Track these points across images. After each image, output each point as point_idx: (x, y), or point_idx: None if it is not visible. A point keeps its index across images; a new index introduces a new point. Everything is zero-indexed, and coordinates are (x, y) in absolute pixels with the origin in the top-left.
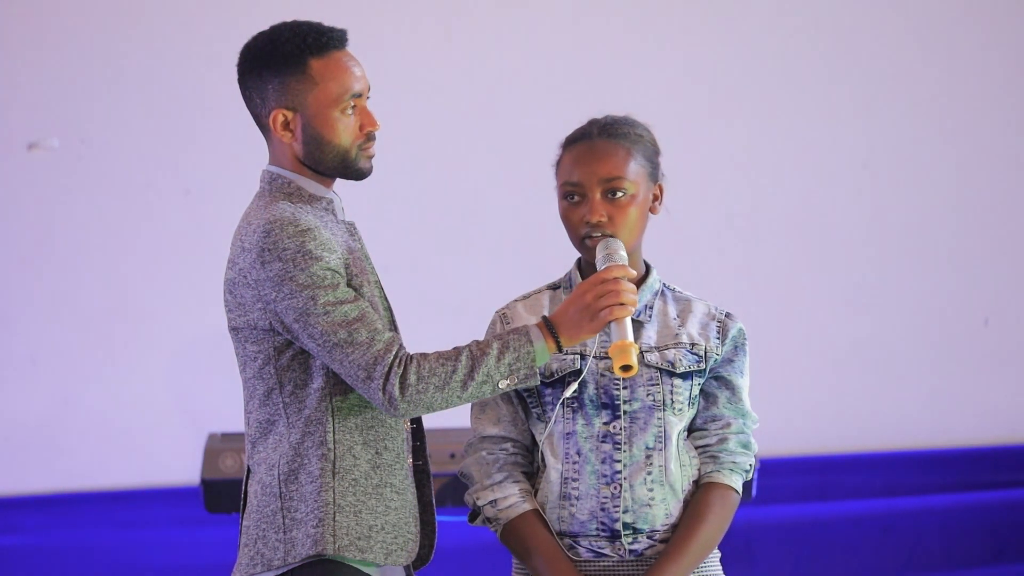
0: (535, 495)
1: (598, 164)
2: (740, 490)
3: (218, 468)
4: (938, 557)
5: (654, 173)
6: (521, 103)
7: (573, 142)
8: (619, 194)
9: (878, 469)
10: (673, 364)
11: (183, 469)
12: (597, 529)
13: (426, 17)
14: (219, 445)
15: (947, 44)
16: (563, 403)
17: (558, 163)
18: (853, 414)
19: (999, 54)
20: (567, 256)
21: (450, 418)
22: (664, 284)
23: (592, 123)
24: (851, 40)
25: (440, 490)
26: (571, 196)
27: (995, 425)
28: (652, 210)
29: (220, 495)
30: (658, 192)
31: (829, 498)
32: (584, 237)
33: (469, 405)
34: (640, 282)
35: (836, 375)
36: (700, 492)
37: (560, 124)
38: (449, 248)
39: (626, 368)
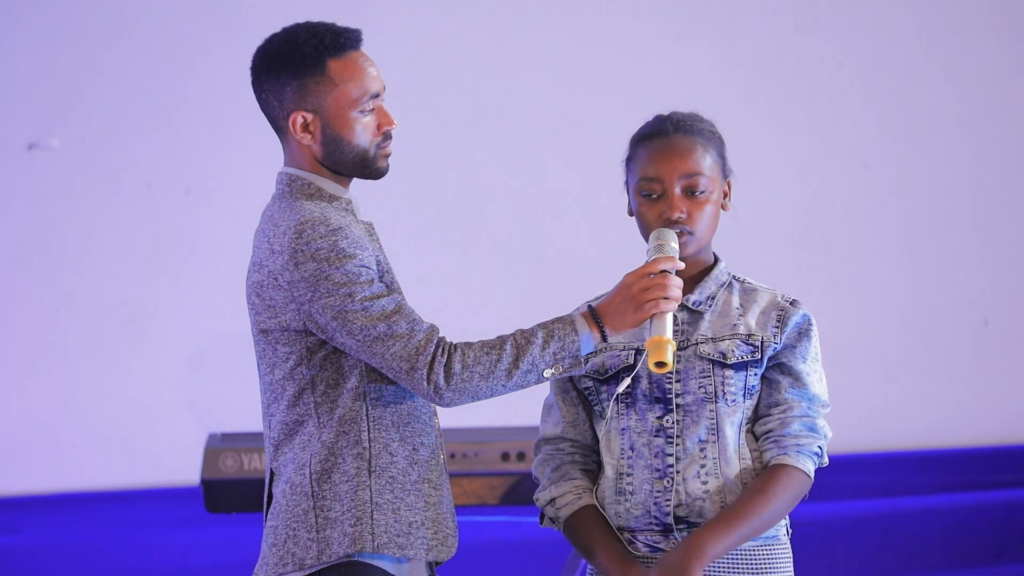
0: (595, 492)
1: (678, 160)
2: (810, 473)
3: (218, 468)
4: (938, 557)
5: (725, 169)
6: (525, 106)
7: (648, 138)
8: (699, 191)
9: (878, 469)
10: (724, 355)
11: (183, 469)
12: (650, 523)
13: (431, 18)
14: (219, 445)
15: (949, 43)
16: (617, 399)
17: (629, 160)
18: (853, 414)
19: (1000, 54)
20: (569, 259)
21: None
22: (734, 276)
23: (664, 119)
24: (852, 40)
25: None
26: (650, 193)
27: (995, 425)
28: (723, 207)
29: (220, 495)
30: (727, 189)
31: (829, 498)
32: None
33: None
34: (706, 273)
35: (836, 375)
36: (762, 471)
37: (562, 126)
38: (453, 249)
39: (660, 364)
